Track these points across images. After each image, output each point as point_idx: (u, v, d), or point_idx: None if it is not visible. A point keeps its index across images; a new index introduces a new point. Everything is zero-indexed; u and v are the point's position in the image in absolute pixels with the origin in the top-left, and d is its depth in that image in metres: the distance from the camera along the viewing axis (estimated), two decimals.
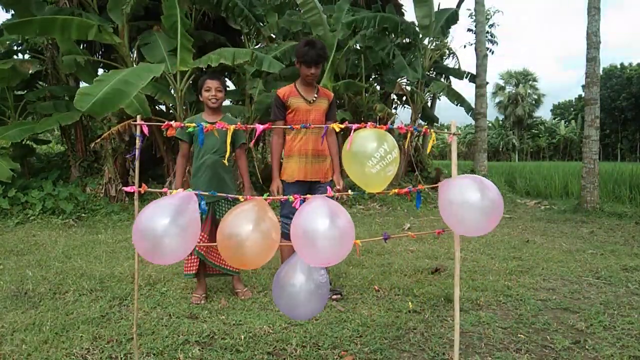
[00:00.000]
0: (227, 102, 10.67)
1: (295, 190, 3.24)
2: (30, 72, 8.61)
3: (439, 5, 10.37)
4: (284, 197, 1.87)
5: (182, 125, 1.90)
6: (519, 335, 2.71)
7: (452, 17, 11.16)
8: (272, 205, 7.21)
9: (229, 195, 1.96)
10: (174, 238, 1.62)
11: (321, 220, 1.59)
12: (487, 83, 12.66)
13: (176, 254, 1.67)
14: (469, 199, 1.78)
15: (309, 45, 3.20)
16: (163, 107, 10.45)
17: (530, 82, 59.46)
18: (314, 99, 3.32)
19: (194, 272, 3.30)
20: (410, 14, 27.40)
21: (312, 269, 1.78)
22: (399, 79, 11.47)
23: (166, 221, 1.61)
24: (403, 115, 30.30)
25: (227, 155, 2.37)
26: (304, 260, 1.70)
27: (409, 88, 11.56)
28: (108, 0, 7.77)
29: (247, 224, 1.62)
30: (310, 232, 1.60)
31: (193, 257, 3.28)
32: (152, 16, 8.69)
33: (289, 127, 2.28)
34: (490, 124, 54.35)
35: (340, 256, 1.64)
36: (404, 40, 11.78)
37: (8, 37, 8.16)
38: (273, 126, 2.04)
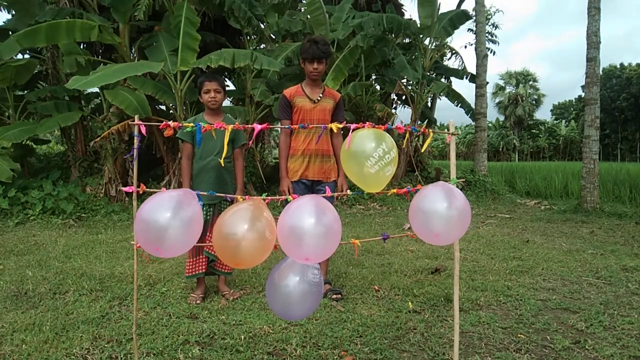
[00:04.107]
0: (227, 102, 10.66)
1: (299, 189, 3.27)
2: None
3: (439, 6, 10.32)
4: (283, 197, 1.86)
5: (181, 125, 1.90)
6: (519, 335, 2.71)
7: (457, 17, 11.11)
8: (272, 205, 7.08)
9: (228, 196, 1.97)
10: (176, 230, 1.61)
11: (307, 217, 1.58)
12: (488, 83, 12.65)
13: (178, 247, 1.66)
14: (437, 208, 1.77)
15: (311, 42, 3.28)
16: (164, 108, 10.44)
17: (530, 83, 59.47)
18: (319, 98, 3.34)
19: (202, 270, 3.31)
20: (408, 14, 27.41)
21: (306, 268, 1.77)
22: (400, 79, 11.46)
23: (168, 213, 1.60)
24: (403, 115, 30.33)
25: (224, 155, 2.38)
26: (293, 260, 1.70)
27: (409, 88, 11.55)
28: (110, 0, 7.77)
29: (243, 223, 1.62)
30: (296, 228, 1.59)
31: (201, 257, 3.29)
32: (153, 16, 8.69)
33: (287, 127, 2.29)
34: (490, 124, 54.35)
35: (325, 253, 1.63)
36: (404, 40, 11.77)
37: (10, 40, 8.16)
38: (271, 126, 2.04)
